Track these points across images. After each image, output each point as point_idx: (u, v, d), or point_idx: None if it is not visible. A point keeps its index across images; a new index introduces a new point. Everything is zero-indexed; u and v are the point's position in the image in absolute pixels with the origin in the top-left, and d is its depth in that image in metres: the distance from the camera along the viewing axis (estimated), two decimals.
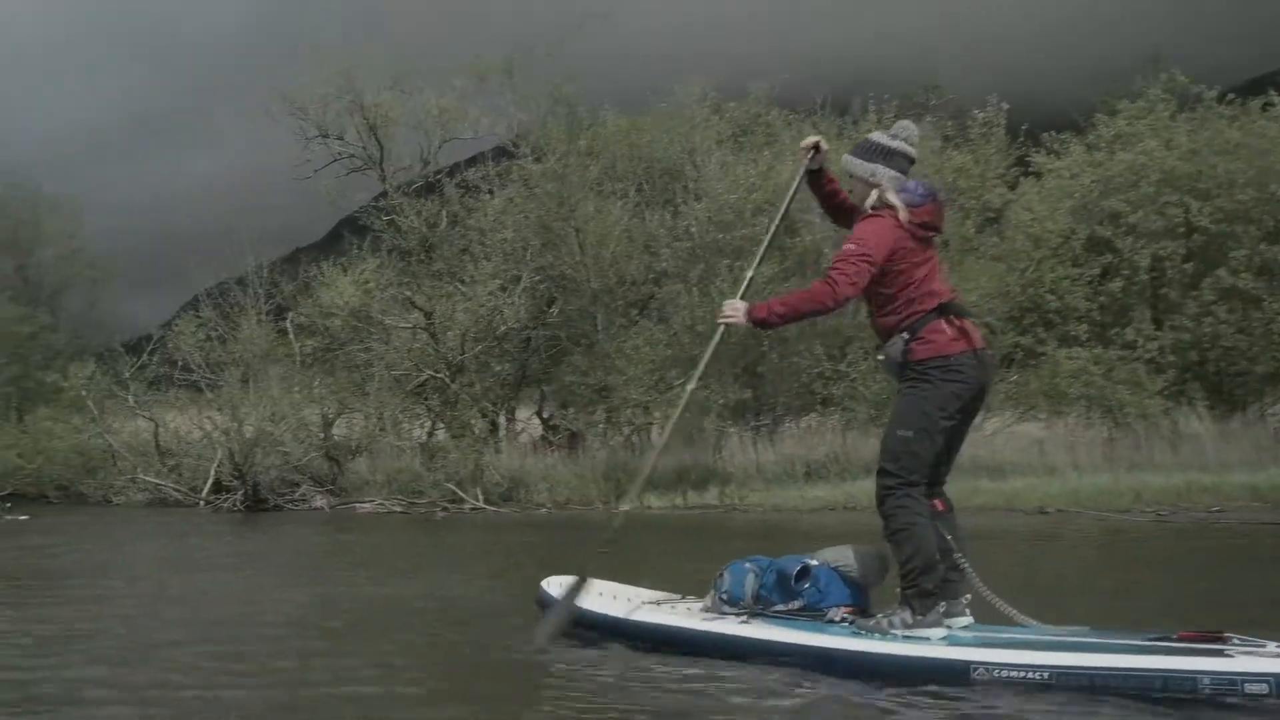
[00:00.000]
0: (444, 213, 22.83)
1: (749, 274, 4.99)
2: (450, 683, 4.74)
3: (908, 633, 4.17)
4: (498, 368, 21.76)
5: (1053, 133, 20.89)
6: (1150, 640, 3.87)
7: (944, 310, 4.37)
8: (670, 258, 19.97)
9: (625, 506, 5.11)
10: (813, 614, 4.55)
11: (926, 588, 4.21)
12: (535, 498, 18.23)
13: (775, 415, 19.14)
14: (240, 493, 18.76)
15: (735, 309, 4.59)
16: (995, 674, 3.81)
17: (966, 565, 4.41)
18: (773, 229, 5.40)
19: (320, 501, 18.88)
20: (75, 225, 32.70)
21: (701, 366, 5.22)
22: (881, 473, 4.40)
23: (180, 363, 23.11)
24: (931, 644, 4.10)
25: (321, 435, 20.81)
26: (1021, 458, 16.91)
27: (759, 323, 4.55)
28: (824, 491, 16.38)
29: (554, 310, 21.90)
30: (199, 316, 23.73)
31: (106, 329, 31.83)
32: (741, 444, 18.83)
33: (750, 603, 4.72)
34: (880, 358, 4.55)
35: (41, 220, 31.68)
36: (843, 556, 4.75)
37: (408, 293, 21.79)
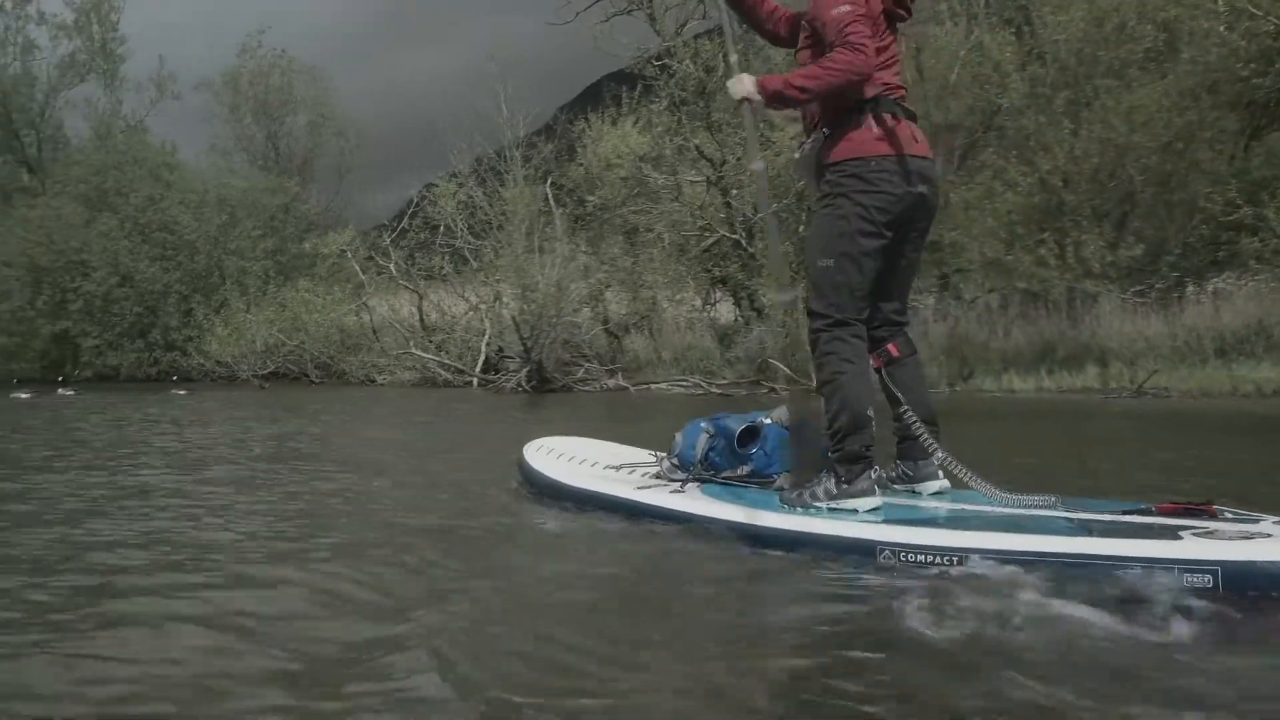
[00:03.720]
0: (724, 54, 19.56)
1: (732, 57, 3.91)
2: None
3: (832, 504, 3.54)
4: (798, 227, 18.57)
5: None
6: (1124, 512, 3.24)
7: (877, 105, 3.59)
8: (1022, 84, 16.15)
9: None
10: (761, 480, 3.98)
11: (853, 450, 3.53)
12: None
13: (1167, 277, 15.17)
14: (524, 371, 16.32)
15: (743, 84, 3.69)
16: (903, 556, 3.16)
17: (914, 420, 3.71)
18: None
19: (613, 381, 16.31)
20: (324, 91, 31.47)
21: (754, 145, 4.21)
22: (809, 314, 3.69)
23: (442, 228, 21.02)
24: (854, 519, 3.44)
25: (601, 308, 18.30)
26: None
27: (774, 96, 3.66)
28: (1269, 372, 12.54)
29: None
30: (457, 176, 21.51)
31: (357, 203, 30.81)
32: (1120, 312, 15.05)
33: (699, 467, 4.17)
34: (796, 155, 3.91)
35: (292, 85, 30.53)
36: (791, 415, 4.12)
37: (695, 141, 18.70)
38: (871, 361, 3.74)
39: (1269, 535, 2.87)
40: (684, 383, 15.64)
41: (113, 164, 28.35)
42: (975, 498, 3.62)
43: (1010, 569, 2.94)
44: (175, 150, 30.45)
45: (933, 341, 15.70)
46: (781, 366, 14.91)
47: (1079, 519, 3.23)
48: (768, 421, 4.12)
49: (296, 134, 31.49)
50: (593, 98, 25.96)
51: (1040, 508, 3.41)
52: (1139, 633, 2.49)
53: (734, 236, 18.18)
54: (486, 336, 18.43)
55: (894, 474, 3.85)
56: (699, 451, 4.19)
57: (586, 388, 16.23)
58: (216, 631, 2.54)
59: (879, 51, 3.59)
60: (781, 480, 3.93)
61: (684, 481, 4.13)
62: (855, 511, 3.49)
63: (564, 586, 3.07)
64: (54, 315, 26.52)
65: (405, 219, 22.77)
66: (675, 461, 4.29)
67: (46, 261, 26.50)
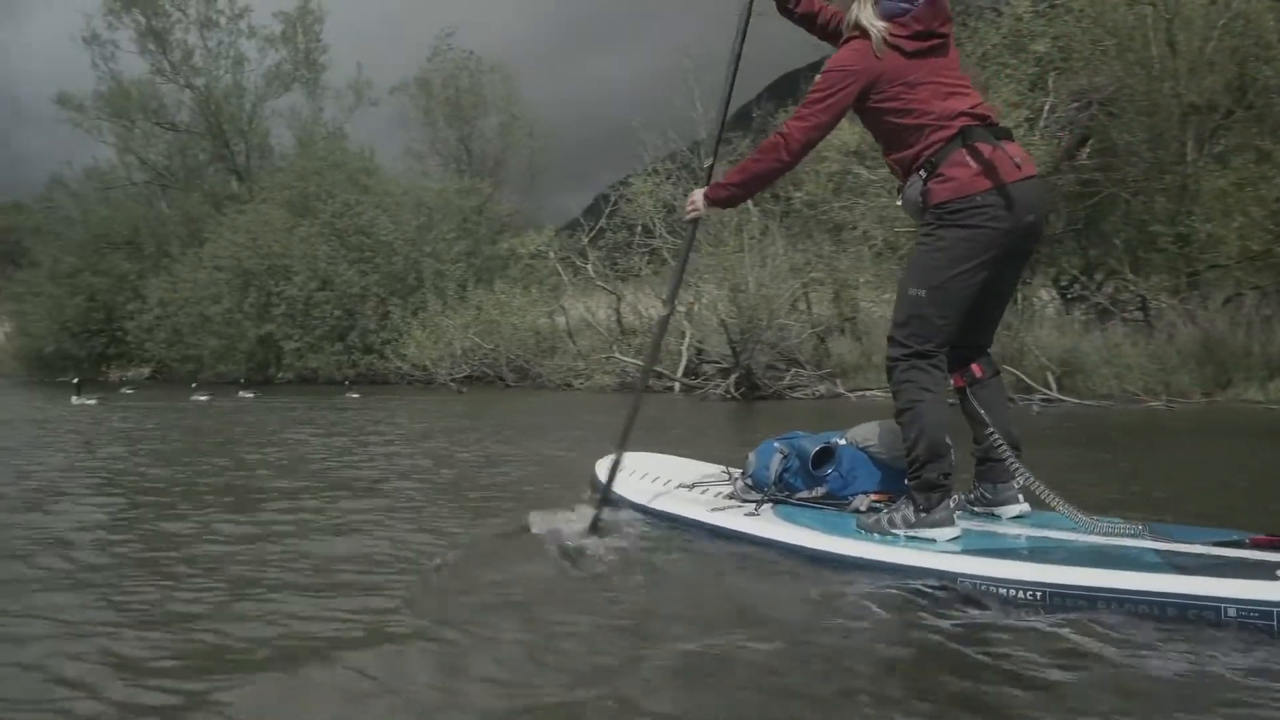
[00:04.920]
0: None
1: (710, 162, 4.03)
2: None
3: (911, 532, 3.44)
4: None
5: None
6: (1215, 543, 3.07)
7: (968, 136, 3.38)
8: None
9: (614, 455, 4.08)
10: (837, 502, 3.91)
11: (931, 479, 3.43)
12: (1098, 387, 13.73)
13: None
14: (734, 377, 15.50)
15: (693, 200, 3.90)
16: (981, 588, 3.06)
17: (1000, 441, 3.60)
18: (727, 89, 4.12)
19: (824, 387, 15.35)
20: (513, 91, 31.55)
21: (677, 281, 4.31)
22: (889, 340, 3.57)
23: (639, 227, 20.47)
24: (933, 548, 3.33)
25: (806, 310, 17.37)
26: None
27: (720, 203, 3.82)
28: None
29: (1086, 150, 16.87)
30: (657, 171, 20.91)
31: (547, 204, 30.78)
32: None
33: (774, 488, 4.06)
34: (899, 202, 3.61)
35: (482, 87, 30.69)
36: (870, 435, 3.98)
37: None
38: (953, 381, 3.66)
39: None
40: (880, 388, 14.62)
41: (314, 170, 29.00)
42: (1057, 523, 3.52)
43: (1092, 605, 2.85)
44: (373, 155, 31.05)
45: (1180, 347, 14.19)
46: (1016, 373, 13.70)
47: (1168, 551, 3.09)
48: (842, 442, 4.06)
49: (488, 135, 31.82)
50: (789, 89, 25.00)
51: (1127, 536, 3.27)
52: (1226, 685, 2.31)
53: None
54: (687, 340, 17.75)
55: (973, 496, 3.78)
56: (773, 472, 4.11)
57: (797, 394, 15.31)
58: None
59: (916, 88, 3.43)
60: (858, 503, 3.87)
61: (758, 503, 4.05)
62: (934, 541, 3.41)
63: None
64: (259, 318, 27.23)
65: (604, 218, 22.33)
66: (749, 482, 4.22)
67: (252, 265, 27.25)
